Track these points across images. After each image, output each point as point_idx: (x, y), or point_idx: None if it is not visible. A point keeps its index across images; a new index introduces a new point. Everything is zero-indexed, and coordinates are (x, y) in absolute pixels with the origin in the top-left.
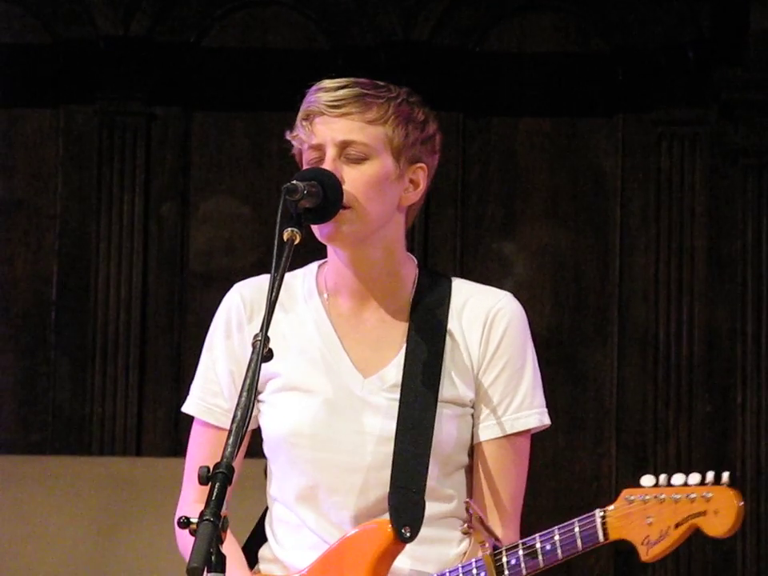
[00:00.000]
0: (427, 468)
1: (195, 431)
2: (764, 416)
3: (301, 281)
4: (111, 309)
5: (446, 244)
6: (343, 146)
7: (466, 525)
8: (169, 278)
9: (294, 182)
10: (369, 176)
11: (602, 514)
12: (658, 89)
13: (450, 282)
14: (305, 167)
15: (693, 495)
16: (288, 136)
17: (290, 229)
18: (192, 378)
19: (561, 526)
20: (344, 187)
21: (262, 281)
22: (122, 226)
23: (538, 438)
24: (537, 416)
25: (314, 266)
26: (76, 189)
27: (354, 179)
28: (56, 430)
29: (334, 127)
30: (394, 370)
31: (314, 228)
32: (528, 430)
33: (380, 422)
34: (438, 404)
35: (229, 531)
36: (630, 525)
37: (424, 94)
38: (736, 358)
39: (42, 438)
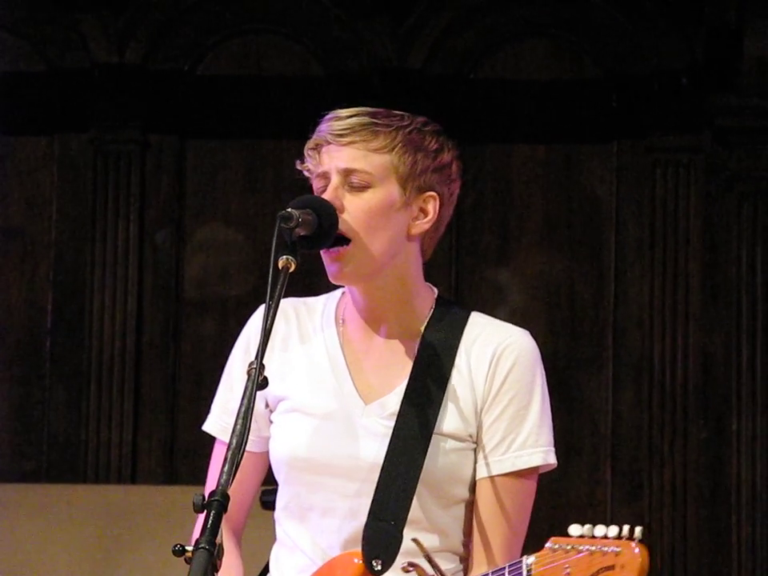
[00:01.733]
0: (411, 499)
1: (214, 450)
2: (759, 442)
3: (322, 307)
4: (106, 336)
5: (440, 272)
6: (346, 173)
7: (407, 563)
8: (163, 306)
9: (289, 209)
10: (371, 204)
11: (528, 561)
12: (653, 115)
13: (468, 315)
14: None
15: (605, 549)
16: (299, 166)
17: (284, 256)
18: (187, 404)
19: (494, 570)
20: (345, 216)
21: (284, 304)
22: (116, 253)
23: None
24: (541, 455)
25: (338, 293)
26: (70, 217)
27: (355, 207)
28: (51, 458)
29: (338, 156)
30: (395, 398)
31: (326, 265)
32: (532, 469)
33: (374, 448)
34: (435, 436)
35: (237, 556)
36: (551, 574)
37: None
38: (731, 385)
39: (37, 466)
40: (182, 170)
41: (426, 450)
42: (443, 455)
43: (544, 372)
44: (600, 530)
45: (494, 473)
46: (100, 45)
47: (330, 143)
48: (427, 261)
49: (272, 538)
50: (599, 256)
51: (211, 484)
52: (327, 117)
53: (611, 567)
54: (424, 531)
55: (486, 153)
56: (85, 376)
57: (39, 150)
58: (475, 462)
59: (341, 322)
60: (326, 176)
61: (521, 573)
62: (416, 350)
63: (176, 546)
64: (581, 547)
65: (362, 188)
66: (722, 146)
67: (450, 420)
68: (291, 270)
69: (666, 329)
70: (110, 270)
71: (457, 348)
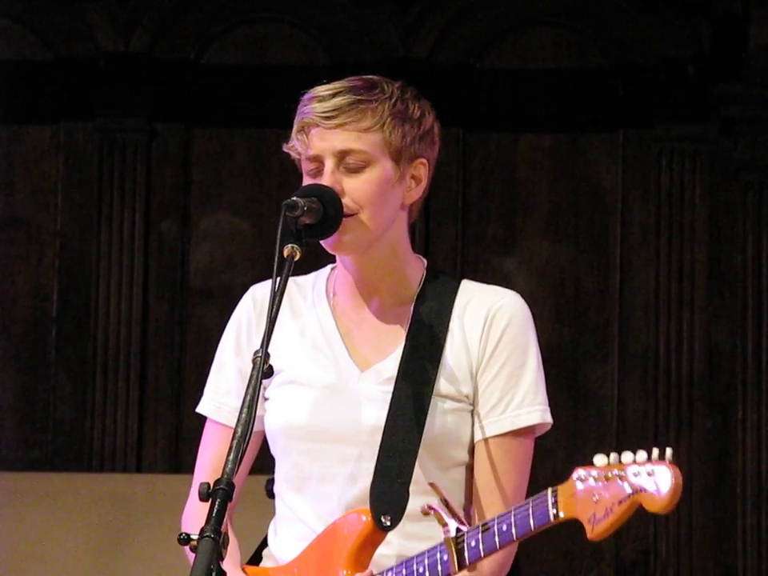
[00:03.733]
0: (415, 459)
1: (206, 429)
2: (765, 432)
3: (312, 282)
4: (111, 325)
5: (446, 260)
6: (341, 155)
7: (426, 505)
8: (169, 295)
9: (294, 198)
10: (370, 184)
11: (553, 493)
12: (659, 105)
13: (459, 283)
14: (304, 177)
15: (637, 472)
16: (285, 148)
17: (290, 245)
18: (193, 393)
19: (517, 506)
20: (345, 199)
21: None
22: (122, 242)
23: (538, 454)
24: (539, 413)
25: (327, 269)
26: (76, 205)
27: (354, 189)
28: (56, 447)
29: (331, 138)
30: (390, 364)
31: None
32: (530, 429)
33: (373, 413)
34: (433, 398)
35: (230, 530)
36: (579, 503)
37: None
38: (736, 374)
39: (43, 454)
40: (188, 158)
41: (426, 412)
42: (441, 416)
43: (536, 332)
44: (627, 456)
45: (494, 433)
46: (106, 33)
47: (318, 125)
48: (414, 223)
49: (261, 526)
50: (605, 245)
51: (202, 464)
52: (308, 97)
53: (644, 489)
54: (425, 492)
55: (491, 142)
56: (90, 365)
57: (45, 138)
58: (473, 425)
59: (332, 295)
60: (317, 159)
61: (545, 505)
62: (409, 318)
63: (181, 534)
64: (609, 474)
65: (359, 169)
66: (728, 136)
67: (446, 381)
68: (296, 258)
69: (672, 318)
70: (116, 258)
71: (450, 313)
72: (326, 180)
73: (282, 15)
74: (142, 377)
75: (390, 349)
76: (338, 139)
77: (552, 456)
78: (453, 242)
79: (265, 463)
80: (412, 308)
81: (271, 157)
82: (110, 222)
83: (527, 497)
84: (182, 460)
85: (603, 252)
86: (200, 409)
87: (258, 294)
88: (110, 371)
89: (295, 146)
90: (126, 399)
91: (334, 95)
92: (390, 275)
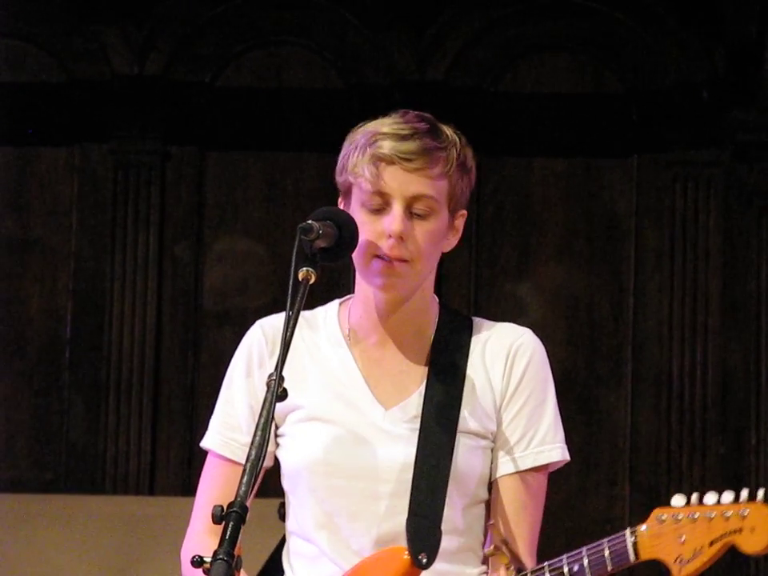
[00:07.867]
0: (444, 497)
1: (210, 464)
2: None
3: (323, 317)
4: (125, 347)
5: (460, 285)
6: (412, 200)
7: (492, 546)
8: (183, 317)
9: (309, 221)
10: (431, 232)
11: (632, 533)
12: (673, 130)
13: (471, 320)
14: (359, 208)
15: (728, 513)
16: (348, 170)
17: (305, 268)
18: (206, 416)
19: (589, 546)
20: (408, 243)
21: (284, 317)
22: (136, 264)
23: (551, 478)
24: (560, 450)
25: (335, 304)
26: (91, 227)
27: (417, 235)
28: (69, 469)
29: (406, 180)
30: (415, 401)
31: (368, 276)
32: (548, 465)
33: (401, 450)
34: (458, 434)
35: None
36: (662, 544)
37: None
38: (750, 399)
39: (56, 476)
40: (202, 181)
41: (453, 448)
42: (467, 453)
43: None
44: (712, 496)
45: (516, 469)
46: (121, 56)
47: (394, 164)
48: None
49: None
50: (618, 270)
51: (205, 497)
52: (381, 132)
53: (738, 530)
54: (452, 530)
55: (505, 166)
56: (104, 386)
57: (60, 160)
58: (492, 461)
59: (347, 330)
60: (384, 196)
61: (624, 546)
62: (428, 354)
63: (194, 556)
64: (695, 515)
65: (425, 216)
66: (742, 161)
67: (471, 418)
68: (311, 281)
69: (685, 343)
70: (130, 280)
71: (468, 348)
72: (396, 223)
73: (297, 39)
74: (156, 399)
75: (412, 387)
76: (413, 183)
77: (565, 481)
78: (466, 265)
79: (278, 486)
80: (430, 346)
81: (285, 179)
82: (124, 244)
83: (542, 528)
84: (195, 482)
85: (617, 277)
86: (205, 443)
87: (267, 328)
88: (124, 393)
89: (365, 175)
90: (139, 421)
91: (410, 136)
92: (417, 316)
